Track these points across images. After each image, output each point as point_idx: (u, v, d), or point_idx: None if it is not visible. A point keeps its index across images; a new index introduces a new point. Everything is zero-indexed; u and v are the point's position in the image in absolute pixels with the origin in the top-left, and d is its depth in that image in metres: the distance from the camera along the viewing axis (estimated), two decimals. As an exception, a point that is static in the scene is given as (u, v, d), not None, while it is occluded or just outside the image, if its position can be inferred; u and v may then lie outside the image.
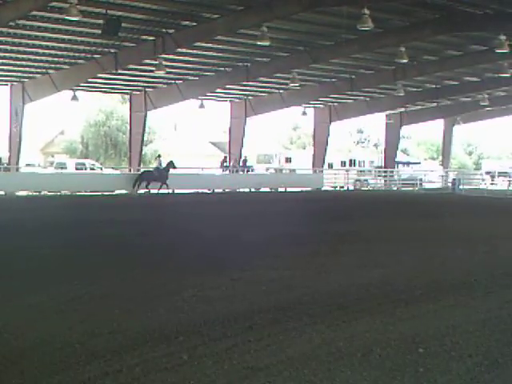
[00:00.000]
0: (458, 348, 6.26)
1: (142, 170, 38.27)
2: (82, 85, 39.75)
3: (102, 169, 47.09)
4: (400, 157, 62.35)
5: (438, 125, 61.00)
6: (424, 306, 8.03)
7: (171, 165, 36.50)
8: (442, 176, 56.08)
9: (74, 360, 5.84)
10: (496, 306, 8.13)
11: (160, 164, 37.09)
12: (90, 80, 37.68)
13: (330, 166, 54.01)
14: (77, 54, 32.77)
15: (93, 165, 47.73)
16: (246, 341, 6.47)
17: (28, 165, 46.26)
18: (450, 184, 47.52)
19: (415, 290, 9.06)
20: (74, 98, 41.02)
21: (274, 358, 5.96)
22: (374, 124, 69.48)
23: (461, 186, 43.46)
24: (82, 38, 29.58)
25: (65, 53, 32.29)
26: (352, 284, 9.51)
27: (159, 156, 38.85)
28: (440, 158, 64.73)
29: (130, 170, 43.68)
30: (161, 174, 35.88)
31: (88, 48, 31.58)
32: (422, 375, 5.52)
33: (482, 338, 6.61)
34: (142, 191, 35.42)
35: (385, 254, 12.89)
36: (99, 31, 25.96)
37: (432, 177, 56.83)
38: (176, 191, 36.95)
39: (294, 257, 12.25)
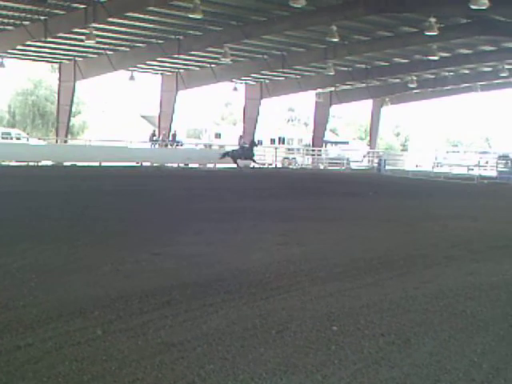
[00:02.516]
0: (371, 327, 6.37)
1: (228, 149, 40.50)
2: (10, 52, 38.75)
3: (28, 139, 46.26)
4: (329, 136, 62.88)
5: (367, 105, 61.70)
6: (341, 285, 8.13)
7: (254, 143, 39.97)
8: (369, 156, 56.75)
9: (-16, 333, 5.74)
10: (412, 286, 8.26)
11: (244, 143, 40.83)
12: (18, 47, 36.78)
13: (260, 142, 54.14)
14: (5, 20, 31.89)
15: (19, 134, 46.83)
16: (163, 316, 6.47)
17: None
18: (376, 164, 48.23)
19: (334, 268, 9.17)
20: (1, 65, 40.03)
21: (189, 333, 5.97)
22: (305, 102, 69.83)
23: (386, 167, 44.20)
24: (11, 4, 28.77)
25: (-8, 18, 31.45)
26: (272, 261, 9.55)
27: (241, 137, 42.66)
28: (368, 138, 65.47)
29: (57, 141, 42.99)
30: (246, 152, 38.59)
31: (17, 14, 30.76)
32: (333, 352, 5.60)
33: (395, 318, 6.73)
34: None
35: (308, 232, 13.01)
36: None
37: (359, 157, 57.48)
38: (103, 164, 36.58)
39: (216, 233, 12.22)
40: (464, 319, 6.83)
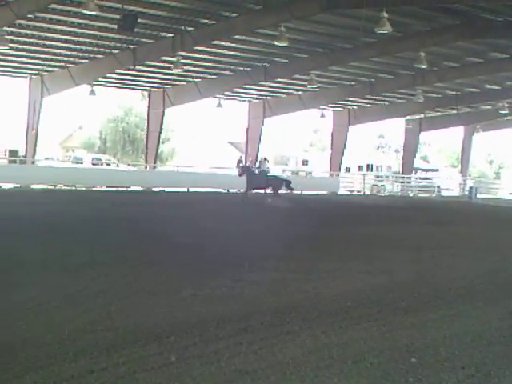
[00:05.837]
0: (451, 359, 6.12)
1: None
2: (100, 80, 39.81)
3: (118, 165, 47.25)
4: (420, 163, 62.13)
5: (458, 132, 60.68)
6: (424, 315, 7.88)
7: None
8: (460, 184, 55.74)
9: (60, 356, 5.76)
10: (497, 317, 7.96)
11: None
12: (108, 75, 37.74)
13: (348, 170, 53.87)
14: (95, 49, 32.82)
15: (109, 160, 47.93)
16: (238, 343, 6.37)
17: (47, 158, 46.56)
18: (467, 192, 47.23)
19: (417, 299, 8.91)
20: (92, 92, 41.11)
21: (264, 361, 5.86)
22: (395, 129, 69.23)
23: (478, 195, 43.20)
24: (100, 33, 29.59)
25: (83, 47, 32.33)
26: (353, 290, 9.37)
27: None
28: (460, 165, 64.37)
29: (146, 167, 43.77)
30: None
31: (107, 43, 31.63)
32: (410, 385, 5.41)
33: (478, 350, 6.46)
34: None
35: (392, 260, 12.72)
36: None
37: (450, 184, 56.53)
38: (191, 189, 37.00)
39: (298, 260, 12.09)
40: (551, 353, 6.52)
